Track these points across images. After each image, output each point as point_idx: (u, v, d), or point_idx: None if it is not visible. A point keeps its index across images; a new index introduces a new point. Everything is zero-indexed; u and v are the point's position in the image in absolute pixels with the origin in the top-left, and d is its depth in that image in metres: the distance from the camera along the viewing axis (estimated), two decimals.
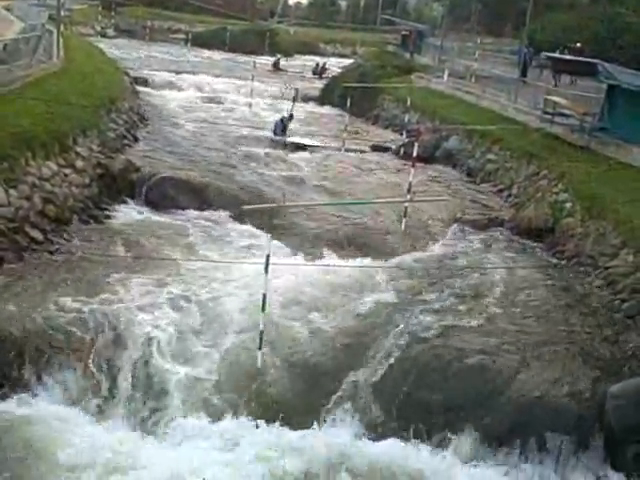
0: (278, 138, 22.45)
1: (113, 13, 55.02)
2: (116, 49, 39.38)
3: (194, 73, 35.61)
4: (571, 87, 24.23)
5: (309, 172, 19.60)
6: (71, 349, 9.58)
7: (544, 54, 25.71)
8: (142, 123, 22.63)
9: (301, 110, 30.37)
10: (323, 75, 40.27)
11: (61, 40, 24.42)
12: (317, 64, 42.99)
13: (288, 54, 47.92)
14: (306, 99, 33.31)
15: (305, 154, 21.58)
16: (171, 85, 32.05)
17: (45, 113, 15.47)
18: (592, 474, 8.94)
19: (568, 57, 25.15)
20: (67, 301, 10.39)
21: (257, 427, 9.18)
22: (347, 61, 42.81)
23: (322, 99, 33.31)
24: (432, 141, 22.34)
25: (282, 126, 22.81)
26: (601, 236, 13.54)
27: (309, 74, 41.90)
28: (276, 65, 42.67)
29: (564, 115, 19.54)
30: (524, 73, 25.73)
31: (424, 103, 25.92)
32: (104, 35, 49.30)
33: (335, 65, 43.23)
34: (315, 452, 8.81)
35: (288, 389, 9.86)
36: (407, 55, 38.07)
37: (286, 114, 23.48)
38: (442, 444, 9.21)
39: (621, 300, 11.73)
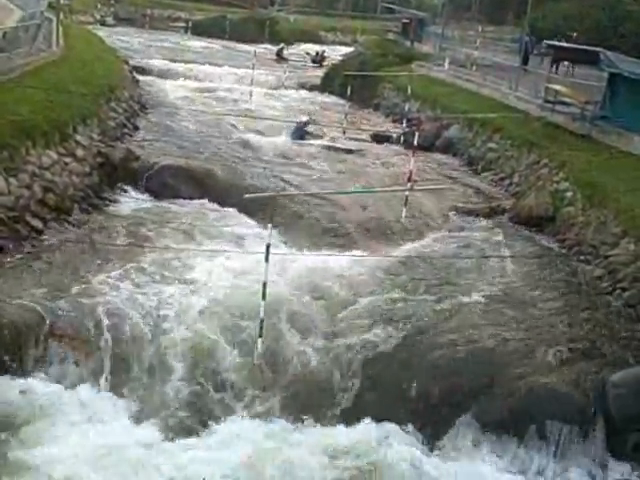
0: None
1: (113, 1, 54.70)
2: (116, 37, 39.20)
3: (194, 62, 35.48)
4: (568, 76, 24.09)
5: (309, 161, 19.55)
6: (62, 338, 9.61)
7: (545, 42, 25.54)
8: (142, 112, 22.57)
9: (301, 99, 30.36)
10: (323, 63, 40.17)
11: (60, 28, 24.30)
12: (317, 52, 42.92)
13: (288, 42, 47.64)
14: (306, 87, 33.25)
15: (305, 143, 21.54)
16: (171, 74, 31.90)
17: (45, 101, 15.41)
18: (592, 463, 8.97)
19: (570, 45, 25.00)
20: (62, 290, 10.44)
21: None
22: (347, 49, 42.60)
23: (322, 87, 33.20)
24: (433, 130, 22.26)
25: (301, 132, 21.97)
26: (602, 225, 13.52)
27: (310, 63, 41.75)
28: (280, 54, 42.45)
29: (565, 103, 19.48)
30: (525, 61, 25.60)
31: (425, 92, 25.84)
32: (103, 23, 49.02)
33: (332, 51, 43.08)
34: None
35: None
36: (408, 43, 37.88)
37: (303, 118, 22.84)
38: (442, 433, 9.26)
39: (622, 289, 11.74)
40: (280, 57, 41.93)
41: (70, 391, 9.17)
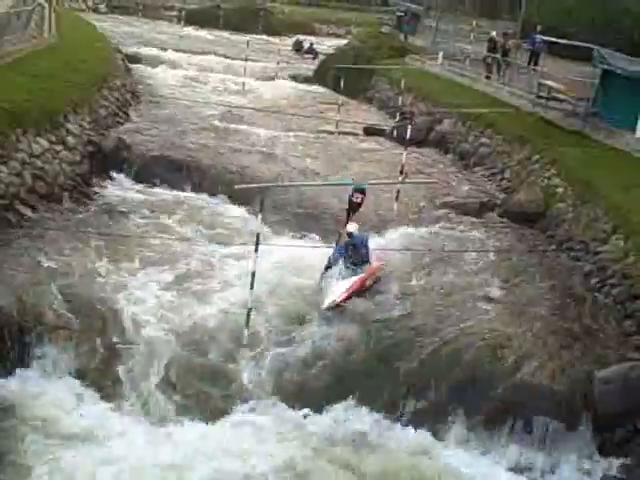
0: None
1: None
2: (108, 25, 38.89)
3: (187, 51, 35.26)
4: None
5: (301, 153, 19.51)
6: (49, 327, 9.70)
7: (540, 37, 25.49)
8: (134, 101, 22.44)
9: (292, 90, 30.20)
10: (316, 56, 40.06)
11: (53, 15, 24.11)
12: (311, 44, 42.89)
13: (283, 34, 47.43)
14: (299, 79, 33.12)
15: (300, 133, 21.49)
16: (163, 63, 31.68)
17: (36, 89, 15.31)
18: (579, 458, 9.01)
19: (564, 41, 24.96)
20: (50, 279, 10.49)
21: None
22: (342, 42, 42.46)
23: (315, 79, 33.07)
24: (425, 124, 22.24)
25: None
26: (592, 221, 13.56)
27: (306, 55, 41.55)
28: (298, 47, 42.25)
29: (558, 99, 19.49)
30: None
31: (418, 85, 25.79)
32: (96, 11, 48.70)
33: (320, 44, 43.07)
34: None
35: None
36: (402, 37, 37.79)
37: None
38: (431, 427, 9.29)
39: (611, 285, 11.77)
40: (299, 51, 41.86)
41: None
